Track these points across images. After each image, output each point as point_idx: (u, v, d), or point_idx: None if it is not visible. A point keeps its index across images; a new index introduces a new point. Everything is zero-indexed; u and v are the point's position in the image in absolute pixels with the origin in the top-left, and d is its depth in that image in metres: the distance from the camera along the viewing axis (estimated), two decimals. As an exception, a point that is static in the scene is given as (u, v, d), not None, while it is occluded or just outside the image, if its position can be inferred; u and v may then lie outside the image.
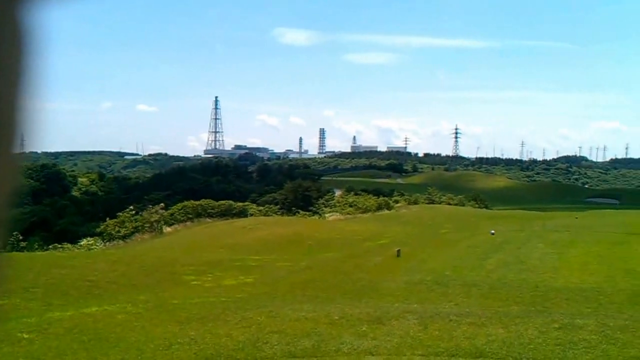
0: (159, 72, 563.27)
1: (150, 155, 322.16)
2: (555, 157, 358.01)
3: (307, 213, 65.53)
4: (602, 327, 11.19)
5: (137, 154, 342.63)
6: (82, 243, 41.68)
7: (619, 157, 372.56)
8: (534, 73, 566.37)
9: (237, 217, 56.51)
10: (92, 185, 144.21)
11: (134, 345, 10.93)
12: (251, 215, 60.52)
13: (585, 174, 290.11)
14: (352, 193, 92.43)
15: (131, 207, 50.14)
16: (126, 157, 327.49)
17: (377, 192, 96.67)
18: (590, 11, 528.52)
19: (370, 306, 14.29)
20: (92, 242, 42.38)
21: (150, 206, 50.34)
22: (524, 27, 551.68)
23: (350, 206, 69.30)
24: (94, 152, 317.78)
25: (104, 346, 10.96)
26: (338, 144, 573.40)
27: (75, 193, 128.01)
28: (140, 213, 48.82)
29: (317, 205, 72.25)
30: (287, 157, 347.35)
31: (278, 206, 75.87)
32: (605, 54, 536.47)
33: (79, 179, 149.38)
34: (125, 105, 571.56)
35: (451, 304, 15.29)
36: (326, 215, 63.55)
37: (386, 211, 65.16)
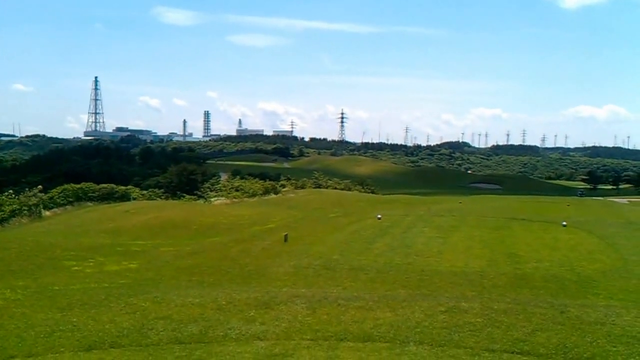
0: (35, 51, 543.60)
1: (27, 136, 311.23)
2: (439, 142, 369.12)
3: (193, 197, 64.86)
4: (487, 310, 11.48)
5: (13, 135, 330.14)
6: (-45, 227, 39.65)
7: (501, 143, 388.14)
8: (417, 59, 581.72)
9: (119, 201, 55.21)
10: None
11: (14, 332, 10.49)
12: (134, 199, 59.19)
13: (468, 159, 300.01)
14: (239, 177, 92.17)
15: (10, 189, 48.18)
16: (1, 138, 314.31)
17: (263, 176, 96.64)
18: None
19: (258, 291, 14.21)
20: (-33, 225, 40.39)
21: (28, 189, 48.40)
22: (408, 14, 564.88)
23: (237, 190, 69.01)
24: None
25: (-19, 334, 10.44)
26: (223, 127, 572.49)
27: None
28: (17, 196, 46.87)
29: (202, 189, 71.55)
30: (171, 139, 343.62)
31: (162, 190, 74.49)
32: (484, 42, 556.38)
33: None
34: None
35: (339, 288, 15.38)
36: (212, 199, 63.11)
37: (273, 195, 65.23)
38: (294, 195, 65.94)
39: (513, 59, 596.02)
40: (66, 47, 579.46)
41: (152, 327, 10.75)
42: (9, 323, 11.11)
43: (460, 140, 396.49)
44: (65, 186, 57.66)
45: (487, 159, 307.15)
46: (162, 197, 66.97)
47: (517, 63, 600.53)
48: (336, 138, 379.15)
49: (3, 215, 43.44)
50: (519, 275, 17.49)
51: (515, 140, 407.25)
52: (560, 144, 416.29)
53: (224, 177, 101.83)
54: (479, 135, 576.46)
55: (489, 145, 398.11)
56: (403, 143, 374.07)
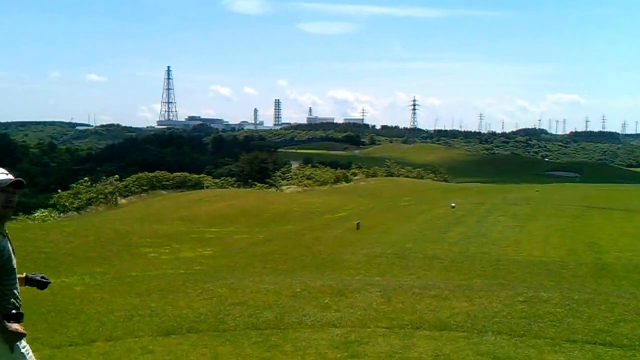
0: (108, 42, 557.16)
1: (102, 125, 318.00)
2: (514, 129, 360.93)
3: (264, 185, 65.33)
4: (567, 301, 11.16)
5: (88, 125, 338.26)
6: (35, 214, 40.84)
7: (579, 130, 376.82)
8: (490, 44, 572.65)
9: (192, 189, 56.13)
10: (44, 156, 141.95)
11: (94, 317, 10.70)
12: (207, 187, 60.08)
13: (545, 147, 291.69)
14: (310, 165, 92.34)
15: (86, 178, 49.42)
16: (77, 127, 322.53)
17: (334, 165, 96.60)
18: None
19: (332, 279, 14.17)
20: (47, 213, 41.58)
21: (104, 177, 49.59)
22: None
23: (308, 178, 69.28)
24: (45, 123, 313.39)
25: (63, 318, 10.71)
26: (294, 115, 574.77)
27: (26, 164, 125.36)
28: (94, 184, 48.09)
29: (274, 178, 71.94)
30: (242, 128, 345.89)
31: (234, 178, 75.38)
32: (558, 24, 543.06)
33: (30, 150, 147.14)
34: (74, 75, 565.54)
35: (413, 277, 15.19)
36: (283, 187, 63.41)
37: (344, 184, 65.20)
38: (365, 183, 65.76)
39: (589, 42, 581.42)
40: (138, 37, 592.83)
41: (228, 312, 10.83)
42: (90, 308, 11.36)
43: (537, 127, 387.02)
44: (140, 174, 59.01)
45: (565, 146, 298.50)
46: (235, 185, 67.74)
47: (594, 46, 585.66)
48: (408, 126, 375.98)
49: (80, 203, 44.66)
50: (600, 265, 16.92)
51: (595, 127, 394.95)
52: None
53: (295, 165, 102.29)
54: (557, 121, 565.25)
55: (567, 132, 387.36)
56: (477, 130, 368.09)
